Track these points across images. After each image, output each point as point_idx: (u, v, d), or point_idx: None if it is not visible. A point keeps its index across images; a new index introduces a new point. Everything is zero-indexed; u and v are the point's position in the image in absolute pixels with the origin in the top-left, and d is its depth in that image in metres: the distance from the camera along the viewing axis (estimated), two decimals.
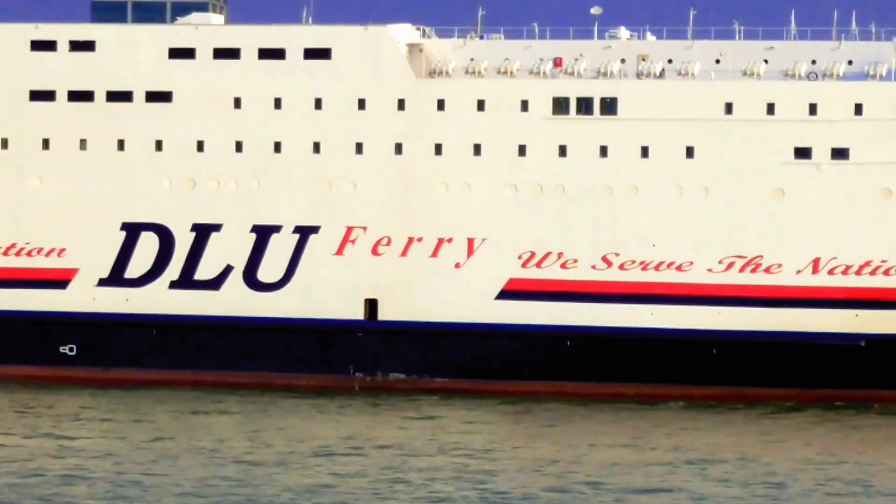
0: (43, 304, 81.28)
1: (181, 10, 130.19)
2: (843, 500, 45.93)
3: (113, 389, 76.47)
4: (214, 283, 79.92)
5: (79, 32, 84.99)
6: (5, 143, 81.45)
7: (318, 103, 79.12)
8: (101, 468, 51.58)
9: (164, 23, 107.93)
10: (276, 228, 78.89)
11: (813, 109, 74.38)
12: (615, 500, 44.89)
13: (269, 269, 78.91)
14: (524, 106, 77.25)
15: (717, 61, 77.58)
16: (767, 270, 74.36)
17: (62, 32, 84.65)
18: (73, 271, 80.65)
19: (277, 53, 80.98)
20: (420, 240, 77.82)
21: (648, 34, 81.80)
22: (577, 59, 77.81)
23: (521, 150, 76.83)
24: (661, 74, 78.51)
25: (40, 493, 45.42)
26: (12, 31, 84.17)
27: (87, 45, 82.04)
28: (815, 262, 73.22)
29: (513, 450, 57.96)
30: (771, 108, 75.20)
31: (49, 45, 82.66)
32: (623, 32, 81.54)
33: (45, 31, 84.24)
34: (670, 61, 78.17)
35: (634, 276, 75.89)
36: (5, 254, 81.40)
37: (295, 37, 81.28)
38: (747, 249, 75.02)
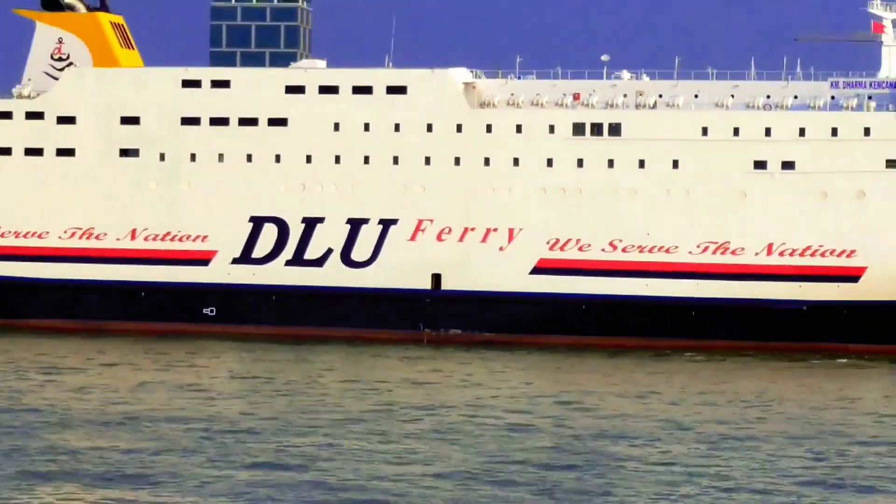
0: (191, 277, 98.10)
1: (278, 59, 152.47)
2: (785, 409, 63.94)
3: (245, 342, 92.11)
4: (319, 262, 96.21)
5: (218, 74, 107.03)
6: (162, 157, 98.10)
7: (396, 127, 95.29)
8: (266, 388, 71.23)
9: (263, 67, 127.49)
10: (365, 221, 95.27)
11: (768, 132, 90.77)
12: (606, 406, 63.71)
13: (360, 252, 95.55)
14: (551, 129, 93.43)
15: (696, 96, 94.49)
16: (734, 252, 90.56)
17: (205, 74, 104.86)
18: (213, 253, 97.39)
19: (366, 90, 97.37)
20: (473, 229, 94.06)
21: (644, 76, 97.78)
22: (591, 94, 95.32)
23: (549, 163, 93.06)
24: (654, 106, 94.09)
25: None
26: (167, 73, 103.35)
27: (224, 84, 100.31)
28: (769, 246, 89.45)
29: (545, 384, 76.67)
30: (736, 131, 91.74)
31: (195, 84, 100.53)
32: (625, 74, 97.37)
33: (192, 72, 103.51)
34: (661, 96, 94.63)
35: (633, 257, 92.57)
36: (163, 239, 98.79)
37: (380, 77, 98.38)
38: (718, 237, 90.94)
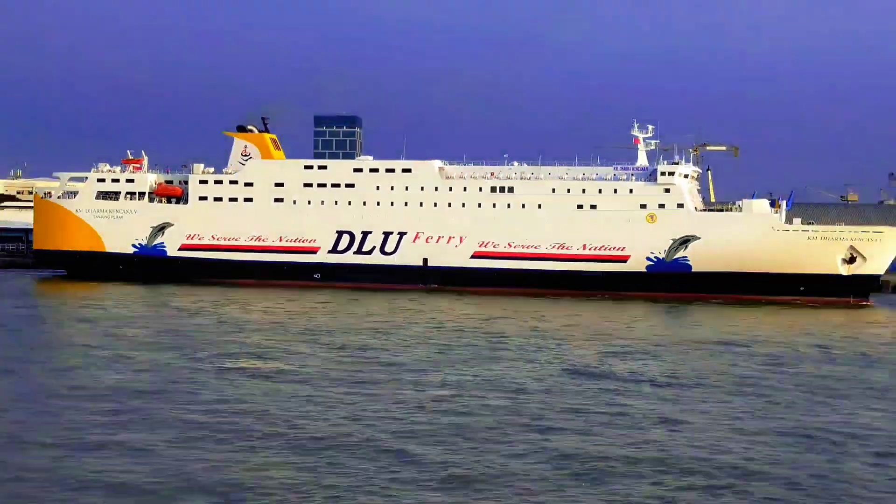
0: (308, 259, 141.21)
1: (347, 155, 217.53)
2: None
3: (334, 292, 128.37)
4: (369, 252, 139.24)
5: (320, 162, 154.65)
6: (294, 202, 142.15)
7: (407, 188, 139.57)
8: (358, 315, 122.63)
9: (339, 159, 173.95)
10: (391, 233, 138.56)
11: (583, 190, 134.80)
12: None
13: (389, 247, 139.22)
14: (480, 189, 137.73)
15: (549, 173, 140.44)
16: (567, 249, 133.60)
17: (313, 163, 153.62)
18: (318, 248, 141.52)
19: (392, 170, 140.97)
20: (442, 237, 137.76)
21: (525, 163, 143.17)
22: (497, 173, 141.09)
23: (479, 205, 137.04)
24: (529, 177, 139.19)
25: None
26: (296, 162, 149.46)
27: (323, 167, 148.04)
28: (584, 246, 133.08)
29: (480, 309, 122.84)
30: (568, 190, 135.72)
31: (309, 167, 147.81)
32: (515, 163, 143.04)
33: (307, 162, 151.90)
34: (532, 174, 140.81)
35: (519, 250, 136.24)
36: (295, 241, 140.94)
37: (399, 164, 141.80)
38: (560, 241, 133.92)
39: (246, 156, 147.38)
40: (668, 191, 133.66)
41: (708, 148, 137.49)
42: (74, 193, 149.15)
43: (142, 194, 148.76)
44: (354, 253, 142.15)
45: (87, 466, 38.05)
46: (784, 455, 42.66)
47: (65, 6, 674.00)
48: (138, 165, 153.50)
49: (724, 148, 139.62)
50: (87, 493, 34.59)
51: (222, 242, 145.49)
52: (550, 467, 39.55)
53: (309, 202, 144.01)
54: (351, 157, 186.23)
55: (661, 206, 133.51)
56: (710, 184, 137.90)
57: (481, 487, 36.40)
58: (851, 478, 38.85)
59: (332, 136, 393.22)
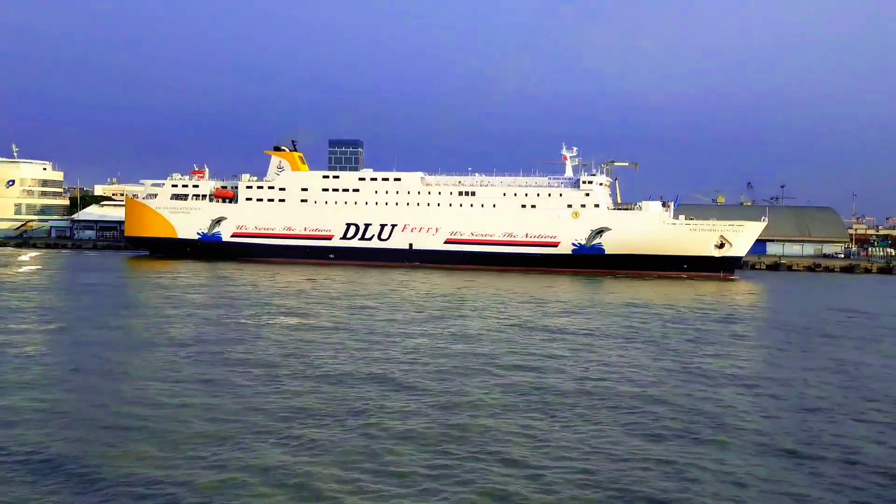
0: (324, 244, 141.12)
1: (353, 168, 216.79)
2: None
3: (345, 269, 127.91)
4: (370, 239, 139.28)
5: (335, 174, 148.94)
6: (315, 202, 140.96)
7: (397, 192, 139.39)
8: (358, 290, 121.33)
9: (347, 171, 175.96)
10: (385, 225, 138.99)
11: (526, 194, 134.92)
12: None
13: (384, 235, 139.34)
14: (451, 193, 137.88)
15: (501, 181, 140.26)
16: (514, 237, 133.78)
17: (330, 174, 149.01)
18: (332, 235, 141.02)
19: (386, 179, 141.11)
20: (423, 228, 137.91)
21: (484, 175, 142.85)
22: (463, 182, 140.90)
23: (450, 204, 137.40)
24: (486, 185, 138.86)
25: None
26: (317, 173, 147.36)
27: (336, 177, 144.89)
28: (526, 234, 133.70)
29: (452, 281, 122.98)
30: (515, 194, 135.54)
31: (327, 177, 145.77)
32: (476, 174, 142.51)
33: (324, 173, 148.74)
34: (489, 182, 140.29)
35: (479, 238, 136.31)
36: (315, 230, 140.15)
37: (392, 175, 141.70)
38: (508, 231, 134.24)
39: (280, 168, 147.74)
40: (588, 195, 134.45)
41: (615, 164, 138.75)
42: (155, 195, 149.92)
43: (204, 196, 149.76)
44: (359, 239, 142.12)
45: (165, 391, 38.42)
46: (673, 386, 42.66)
47: (154, 56, 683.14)
48: (202, 175, 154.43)
49: (627, 164, 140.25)
50: (177, 410, 35.05)
51: (262, 231, 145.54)
52: (500, 391, 40.02)
53: (326, 202, 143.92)
54: (356, 169, 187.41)
55: (583, 206, 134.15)
56: (618, 190, 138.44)
57: (448, 404, 37.18)
58: (723, 403, 38.95)
59: (342, 154, 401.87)
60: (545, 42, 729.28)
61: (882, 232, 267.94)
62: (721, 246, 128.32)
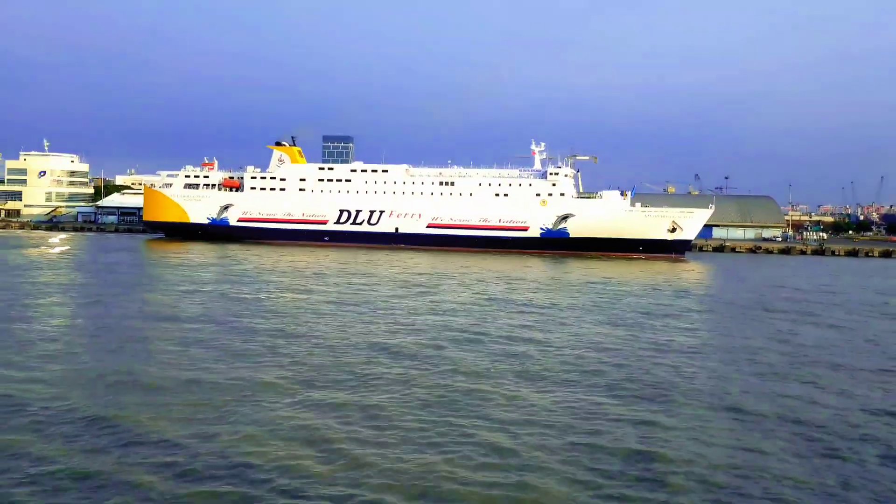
0: (320, 227, 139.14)
1: (345, 161, 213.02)
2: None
3: (339, 250, 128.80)
4: (360, 224, 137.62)
5: (328, 167, 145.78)
6: (312, 191, 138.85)
7: (385, 182, 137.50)
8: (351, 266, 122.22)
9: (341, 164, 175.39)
10: (374, 211, 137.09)
11: (499, 185, 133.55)
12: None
13: (373, 220, 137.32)
14: (433, 183, 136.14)
15: (477, 173, 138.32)
16: (489, 221, 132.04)
17: (325, 167, 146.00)
18: (327, 220, 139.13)
19: (375, 171, 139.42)
20: (408, 214, 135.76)
21: (462, 167, 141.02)
22: (444, 172, 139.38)
23: (432, 193, 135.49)
24: (465, 176, 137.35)
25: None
26: (314, 165, 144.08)
27: (331, 168, 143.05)
28: (499, 219, 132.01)
29: (431, 261, 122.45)
30: (490, 184, 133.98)
31: (322, 169, 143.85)
32: (455, 166, 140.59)
33: (321, 166, 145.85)
34: (468, 174, 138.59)
35: (459, 223, 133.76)
36: (313, 216, 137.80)
37: (379, 167, 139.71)
38: (484, 217, 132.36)
39: (281, 161, 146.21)
40: (554, 185, 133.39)
41: (577, 157, 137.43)
42: (170, 185, 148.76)
43: (213, 185, 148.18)
44: (351, 224, 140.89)
45: (187, 356, 38.33)
46: (623, 354, 42.54)
47: (176, 70, 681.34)
48: (211, 167, 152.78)
49: (587, 157, 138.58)
50: (194, 370, 34.76)
51: (265, 217, 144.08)
52: (477, 356, 39.99)
53: (322, 191, 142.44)
54: (346, 162, 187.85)
55: (550, 195, 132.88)
56: (580, 181, 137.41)
57: (424, 363, 36.75)
58: (669, 369, 38.77)
59: (334, 149, 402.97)
60: (519, 46, 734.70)
61: (815, 218, 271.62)
62: (673, 230, 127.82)
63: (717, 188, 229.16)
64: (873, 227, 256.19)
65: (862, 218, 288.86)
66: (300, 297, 62.43)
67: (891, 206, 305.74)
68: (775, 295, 74.80)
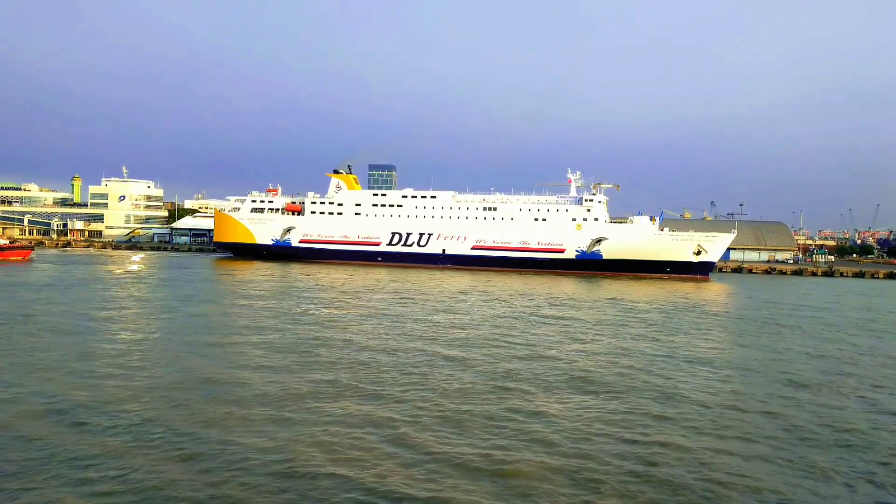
0: (373, 248, 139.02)
1: (391, 188, 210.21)
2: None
3: (390, 269, 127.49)
4: (411, 245, 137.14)
5: (381, 193, 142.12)
6: (367, 214, 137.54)
7: (433, 207, 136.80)
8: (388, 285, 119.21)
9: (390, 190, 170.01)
10: (423, 233, 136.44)
11: (539, 210, 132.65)
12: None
13: (423, 242, 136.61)
14: (478, 208, 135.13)
15: (518, 199, 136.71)
16: (528, 244, 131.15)
17: (378, 193, 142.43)
18: (380, 242, 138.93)
19: (424, 197, 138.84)
20: (454, 236, 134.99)
21: (504, 193, 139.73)
22: (487, 199, 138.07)
23: (476, 217, 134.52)
24: (507, 203, 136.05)
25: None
26: (368, 192, 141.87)
27: (384, 195, 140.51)
28: (538, 242, 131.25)
29: (473, 280, 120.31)
30: (529, 210, 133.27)
31: (376, 195, 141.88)
32: (498, 194, 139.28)
33: (375, 192, 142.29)
34: (507, 200, 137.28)
35: (501, 245, 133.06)
36: (367, 237, 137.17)
37: (428, 193, 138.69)
38: (524, 240, 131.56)
39: (338, 188, 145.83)
40: (589, 210, 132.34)
41: (602, 185, 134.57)
42: (238, 209, 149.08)
43: (277, 209, 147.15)
44: (402, 245, 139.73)
45: (240, 356, 39.33)
46: (650, 366, 43.00)
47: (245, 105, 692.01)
48: (275, 192, 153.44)
49: (611, 185, 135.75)
50: (253, 370, 36.03)
51: (324, 239, 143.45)
52: (518, 362, 40.18)
53: (375, 215, 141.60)
54: (391, 188, 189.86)
55: (585, 219, 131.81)
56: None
57: (459, 365, 37.44)
58: (681, 381, 39.34)
59: (378, 176, 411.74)
60: (557, 83, 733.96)
61: (818, 242, 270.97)
62: (698, 253, 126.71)
63: (728, 214, 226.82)
64: (875, 251, 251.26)
65: (860, 242, 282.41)
66: (353, 308, 63.04)
67: (890, 232, 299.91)
68: (798, 314, 73.40)
